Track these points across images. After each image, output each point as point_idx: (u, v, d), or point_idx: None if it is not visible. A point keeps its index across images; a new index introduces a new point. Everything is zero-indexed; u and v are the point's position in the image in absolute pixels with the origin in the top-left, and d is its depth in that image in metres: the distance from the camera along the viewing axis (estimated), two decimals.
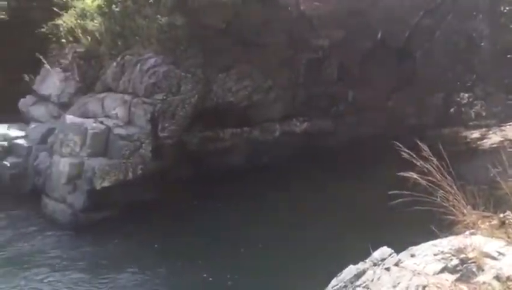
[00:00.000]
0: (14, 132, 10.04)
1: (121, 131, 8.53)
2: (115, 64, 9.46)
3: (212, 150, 9.60)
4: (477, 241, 2.60)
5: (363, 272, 2.42)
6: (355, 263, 2.63)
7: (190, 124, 9.32)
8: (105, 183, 8.15)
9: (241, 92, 9.89)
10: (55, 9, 10.83)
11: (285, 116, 10.81)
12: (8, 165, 9.34)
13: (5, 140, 9.81)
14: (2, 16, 11.99)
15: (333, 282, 2.51)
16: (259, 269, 6.69)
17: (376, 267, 2.42)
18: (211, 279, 6.63)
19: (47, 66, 10.49)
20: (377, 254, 2.55)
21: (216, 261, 6.95)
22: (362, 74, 11.20)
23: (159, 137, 8.75)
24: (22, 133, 9.96)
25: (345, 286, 2.39)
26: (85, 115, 9.15)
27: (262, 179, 9.36)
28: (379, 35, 11.25)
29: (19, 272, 6.69)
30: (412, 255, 2.57)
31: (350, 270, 2.50)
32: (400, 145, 3.05)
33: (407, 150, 2.98)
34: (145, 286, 6.61)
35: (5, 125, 10.27)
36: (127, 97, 8.98)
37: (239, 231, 7.78)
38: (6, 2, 11.91)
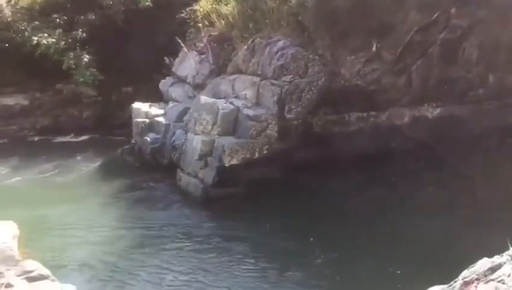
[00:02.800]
0: (154, 110, 10.99)
1: (249, 112, 8.83)
2: (245, 47, 9.79)
3: (337, 133, 9.52)
4: None
5: (499, 266, 2.25)
6: (489, 256, 2.47)
7: (316, 107, 9.33)
8: (234, 161, 8.55)
9: (370, 75, 9.61)
10: None
11: (415, 101, 10.29)
12: (149, 140, 10.27)
13: (147, 117, 10.80)
14: (147, 3, 13.11)
15: (464, 273, 2.38)
16: (377, 253, 6.55)
17: None
18: (323, 257, 6.64)
19: (185, 49, 11.27)
20: None
21: (332, 242, 6.93)
22: (508, 55, 10.17)
23: (285, 118, 8.90)
24: (162, 112, 10.86)
25: (477, 279, 2.25)
26: (217, 95, 9.66)
27: (387, 165, 9.12)
28: None
29: (153, 240, 7.27)
30: None
31: (484, 263, 2.35)
32: None
33: None
34: (259, 258, 6.78)
35: (147, 104, 11.30)
36: (255, 79, 9.26)
37: (359, 216, 7.67)
38: None
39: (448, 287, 2.46)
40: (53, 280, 3.79)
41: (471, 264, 2.51)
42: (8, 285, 3.60)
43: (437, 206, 7.81)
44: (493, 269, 2.26)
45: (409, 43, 9.84)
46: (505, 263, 2.28)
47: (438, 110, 10.44)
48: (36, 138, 12.91)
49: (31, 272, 3.76)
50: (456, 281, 2.40)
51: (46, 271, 3.82)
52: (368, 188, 8.59)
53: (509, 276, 2.13)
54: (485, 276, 2.22)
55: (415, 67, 10.10)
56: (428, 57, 10.16)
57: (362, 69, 9.56)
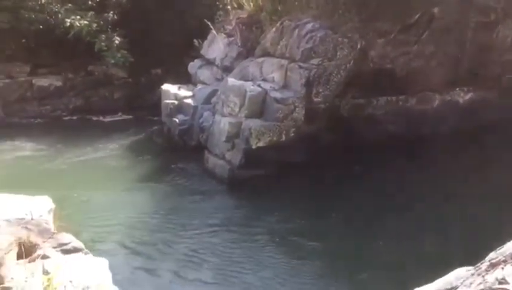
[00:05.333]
0: (183, 92, 11.11)
1: (277, 94, 8.83)
2: (274, 29, 9.76)
3: (364, 117, 9.46)
4: None
5: None
6: None
7: (344, 90, 9.26)
8: (260, 144, 8.60)
9: (400, 59, 9.47)
10: None
11: (446, 85, 10.10)
12: (178, 121, 10.41)
13: (176, 99, 10.93)
14: None
15: (491, 255, 2.38)
16: (401, 234, 6.54)
17: None
18: (348, 242, 6.66)
19: (213, 31, 11.30)
20: None
21: (356, 226, 6.95)
22: None
23: (313, 102, 8.87)
24: (190, 94, 10.97)
25: (504, 261, 2.25)
26: (245, 78, 9.69)
27: (415, 150, 9.03)
28: None
29: (179, 220, 7.40)
30: None
31: None
32: None
33: None
34: (284, 240, 6.85)
35: (176, 86, 11.43)
36: (283, 62, 9.24)
37: (389, 200, 7.64)
38: None
39: (474, 268, 2.47)
40: (86, 253, 3.95)
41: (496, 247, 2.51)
42: (45, 256, 3.77)
43: (469, 190, 7.70)
44: None
45: (440, 26, 9.63)
46: None
47: (469, 95, 10.24)
48: (69, 118, 13.25)
49: (65, 244, 3.92)
50: (482, 263, 2.40)
51: (79, 244, 3.98)
52: (396, 173, 8.51)
53: None
54: None
55: (446, 51, 9.90)
56: (461, 40, 9.95)
57: (392, 52, 9.43)
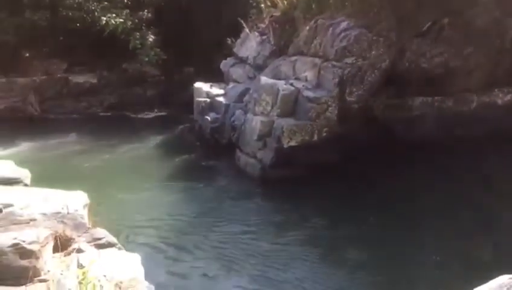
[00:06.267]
0: (215, 90, 11.15)
1: (309, 93, 8.74)
2: (307, 28, 9.66)
3: (399, 118, 9.25)
4: None
5: None
6: None
7: (378, 90, 9.09)
8: (292, 143, 8.52)
9: (437, 58, 9.22)
10: None
11: (485, 86, 9.79)
12: (210, 119, 10.46)
13: (208, 97, 10.99)
14: None
15: None
16: (439, 245, 6.36)
17: None
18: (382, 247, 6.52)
19: (246, 30, 11.30)
20: None
21: (394, 230, 6.78)
22: None
23: (346, 101, 8.72)
24: (222, 92, 11.00)
25: None
26: (277, 76, 9.63)
27: (451, 154, 8.78)
28: None
29: (211, 219, 7.36)
30: None
31: None
32: None
33: None
34: (315, 243, 6.72)
35: (208, 84, 11.49)
36: (317, 60, 9.13)
37: (423, 208, 7.42)
38: None
39: None
40: (119, 248, 4.00)
41: None
42: (79, 250, 3.84)
43: (495, 199, 7.44)
44: None
45: (479, 25, 9.34)
46: None
47: (508, 96, 9.90)
48: (104, 115, 13.51)
49: (99, 239, 3.98)
50: None
51: (113, 239, 4.03)
52: (431, 178, 8.27)
53: None
54: None
55: (485, 51, 9.60)
56: (500, 39, 9.62)
57: (429, 52, 9.20)
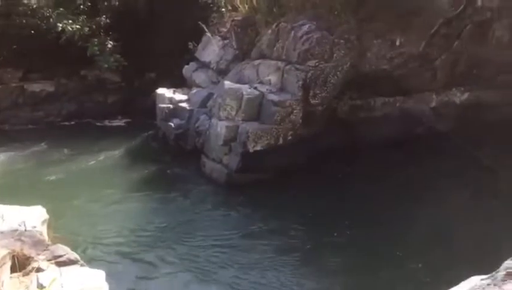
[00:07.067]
0: (178, 96, 10.99)
1: (274, 97, 8.74)
2: (269, 31, 9.66)
3: (362, 119, 9.37)
4: None
5: None
6: None
7: (341, 92, 9.18)
8: (258, 147, 8.49)
9: (397, 60, 9.39)
10: None
11: (443, 85, 10.04)
12: (173, 125, 10.28)
13: (170, 103, 10.81)
14: None
15: (507, 263, 2.28)
16: (407, 243, 6.43)
17: None
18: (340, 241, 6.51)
19: (208, 34, 11.18)
20: None
21: (360, 233, 6.82)
22: None
23: (310, 104, 8.77)
24: (185, 97, 10.85)
25: None
26: (241, 81, 9.57)
27: (413, 152, 8.95)
28: None
29: (176, 227, 7.24)
30: None
31: None
32: None
33: None
34: (282, 246, 6.71)
35: (171, 90, 11.30)
36: (280, 64, 9.14)
37: (382, 204, 7.52)
38: None
39: (488, 277, 2.36)
40: (82, 265, 3.82)
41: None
42: (39, 269, 3.64)
43: (466, 194, 7.63)
44: None
45: (437, 27, 9.57)
46: None
47: (466, 95, 10.18)
48: (62, 124, 13.07)
49: (60, 256, 3.78)
50: (498, 272, 2.30)
51: (75, 256, 3.84)
52: (395, 175, 8.41)
53: None
54: None
55: (443, 52, 9.84)
56: (457, 40, 9.88)
57: (389, 53, 9.35)
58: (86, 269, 3.78)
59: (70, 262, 3.79)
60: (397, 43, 9.41)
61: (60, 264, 3.74)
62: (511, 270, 2.21)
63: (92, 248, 6.25)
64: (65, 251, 3.87)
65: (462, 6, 9.55)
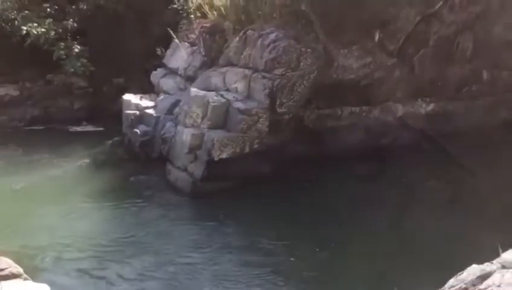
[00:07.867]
0: (145, 102, 10.78)
1: (240, 105, 8.66)
2: (237, 39, 9.59)
3: (329, 128, 9.40)
4: None
5: (489, 275, 2.12)
6: (480, 263, 2.33)
7: (308, 101, 9.19)
8: (223, 155, 8.39)
9: (363, 70, 9.46)
10: None
11: (409, 96, 10.17)
12: (139, 132, 10.08)
13: (137, 109, 10.60)
14: None
15: (452, 282, 2.24)
16: (364, 253, 6.43)
17: (505, 270, 2.10)
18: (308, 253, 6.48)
19: (176, 40, 11.05)
20: (508, 256, 2.20)
21: (324, 241, 6.80)
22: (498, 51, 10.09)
23: (277, 112, 8.73)
24: (152, 104, 10.65)
25: (465, 288, 2.11)
26: (208, 88, 9.47)
27: (380, 161, 9.03)
28: None
29: (135, 238, 7.07)
30: None
31: (473, 270, 2.21)
32: None
33: None
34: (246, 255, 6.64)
35: (138, 96, 11.10)
36: (247, 72, 9.07)
37: (349, 212, 7.54)
38: None
39: None
40: (25, 279, 3.64)
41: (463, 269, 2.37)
42: None
43: (423, 204, 7.70)
44: (482, 278, 2.13)
45: (403, 39, 9.71)
46: (495, 271, 2.14)
47: (431, 106, 10.33)
48: (26, 129, 12.69)
49: (2, 270, 3.60)
50: None
51: (18, 269, 3.66)
52: (361, 184, 8.45)
53: (499, 286, 2.00)
54: (473, 285, 2.09)
55: (408, 63, 9.98)
56: (422, 52, 10.04)
57: (355, 63, 9.41)
58: (30, 283, 3.62)
59: (13, 276, 3.61)
60: (364, 53, 9.49)
61: (2, 278, 3.56)
62: (454, 288, 2.17)
63: (39, 261, 5.96)
64: (8, 264, 3.69)
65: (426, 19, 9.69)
